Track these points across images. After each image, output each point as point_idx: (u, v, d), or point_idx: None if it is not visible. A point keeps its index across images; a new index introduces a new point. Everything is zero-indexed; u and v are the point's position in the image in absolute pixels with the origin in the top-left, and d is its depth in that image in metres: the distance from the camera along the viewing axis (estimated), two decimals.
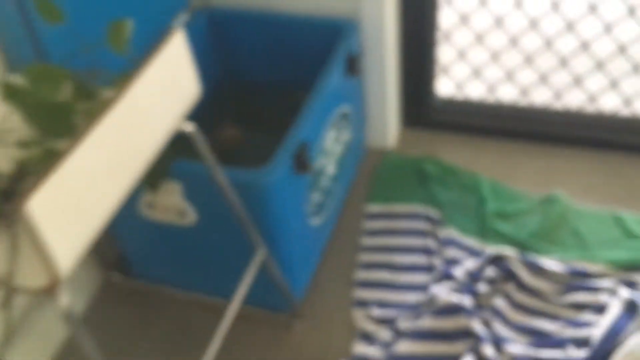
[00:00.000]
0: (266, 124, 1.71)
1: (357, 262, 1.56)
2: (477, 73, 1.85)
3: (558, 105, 1.79)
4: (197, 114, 1.74)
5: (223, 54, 1.72)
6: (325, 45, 1.55)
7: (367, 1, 1.52)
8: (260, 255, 1.22)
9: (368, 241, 1.60)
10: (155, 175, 1.15)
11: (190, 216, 1.27)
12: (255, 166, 1.55)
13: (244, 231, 1.18)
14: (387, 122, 1.77)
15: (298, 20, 1.58)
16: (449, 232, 1.58)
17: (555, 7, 1.64)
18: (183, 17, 1.59)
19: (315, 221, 1.43)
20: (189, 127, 1.00)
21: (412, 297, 1.47)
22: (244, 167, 1.60)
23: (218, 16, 1.65)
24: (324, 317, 1.45)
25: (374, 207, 1.68)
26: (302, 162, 1.24)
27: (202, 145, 1.03)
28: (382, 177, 1.75)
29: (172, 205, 1.25)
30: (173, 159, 1.16)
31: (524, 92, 1.83)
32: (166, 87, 0.90)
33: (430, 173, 1.72)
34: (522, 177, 1.70)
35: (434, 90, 1.82)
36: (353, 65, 1.49)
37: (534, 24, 1.70)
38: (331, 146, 1.46)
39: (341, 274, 1.53)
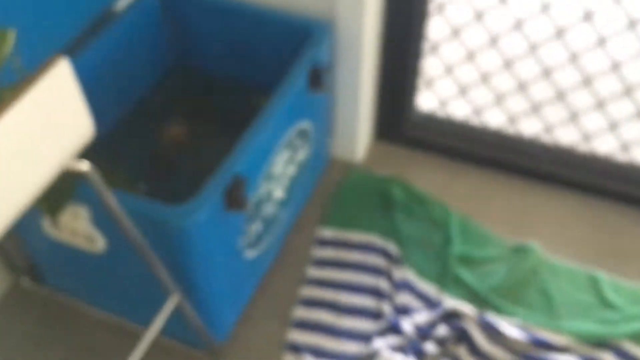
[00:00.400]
0: (219, 123, 1.51)
1: (298, 297, 1.39)
2: (463, 92, 1.65)
3: (548, 139, 1.60)
4: (143, 104, 1.55)
5: (176, 41, 1.50)
6: (292, 46, 1.34)
7: (344, 1, 1.31)
8: (173, 301, 1.05)
9: (314, 272, 1.43)
10: (54, 201, 0.97)
11: (100, 243, 1.09)
12: (195, 173, 1.37)
13: (154, 274, 1.00)
14: (356, 134, 1.58)
15: (263, 13, 1.37)
16: (406, 273, 1.41)
17: (559, 34, 1.43)
18: None
19: (251, 253, 1.26)
20: (84, 167, 0.81)
21: (352, 348, 1.31)
22: (183, 173, 1.42)
23: None
24: (250, 359, 1.30)
25: (327, 232, 1.50)
26: (235, 199, 1.06)
27: (100, 185, 0.84)
28: (342, 197, 1.57)
29: (78, 230, 1.07)
30: (76, 183, 0.97)
31: (513, 119, 1.64)
32: (47, 125, 0.71)
33: (396, 198, 1.54)
34: (496, 214, 1.52)
35: (413, 104, 1.62)
36: (317, 80, 1.28)
37: (533, 49, 1.50)
38: (281, 169, 1.28)
39: (277, 309, 1.37)
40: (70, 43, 1.27)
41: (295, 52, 1.30)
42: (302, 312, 1.36)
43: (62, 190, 1.00)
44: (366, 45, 1.40)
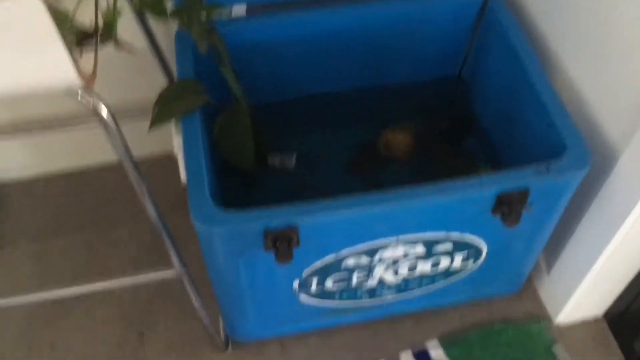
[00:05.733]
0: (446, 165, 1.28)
1: None
2: None
3: None
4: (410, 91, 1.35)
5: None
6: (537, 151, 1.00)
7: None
8: (170, 273, 0.99)
9: None
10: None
11: None
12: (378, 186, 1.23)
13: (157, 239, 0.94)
14: (567, 298, 1.18)
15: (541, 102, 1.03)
16: None
17: None
18: None
19: (309, 300, 1.10)
20: (102, 111, 0.75)
21: None
22: (371, 180, 1.26)
23: None
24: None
25: (434, 352, 1.22)
26: (275, 246, 0.90)
27: (116, 138, 0.78)
28: (485, 336, 1.24)
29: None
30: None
31: None
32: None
33: None
34: None
35: None
36: (512, 210, 0.95)
37: None
38: (400, 257, 1.04)
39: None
40: None
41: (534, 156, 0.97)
42: None
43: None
44: None
